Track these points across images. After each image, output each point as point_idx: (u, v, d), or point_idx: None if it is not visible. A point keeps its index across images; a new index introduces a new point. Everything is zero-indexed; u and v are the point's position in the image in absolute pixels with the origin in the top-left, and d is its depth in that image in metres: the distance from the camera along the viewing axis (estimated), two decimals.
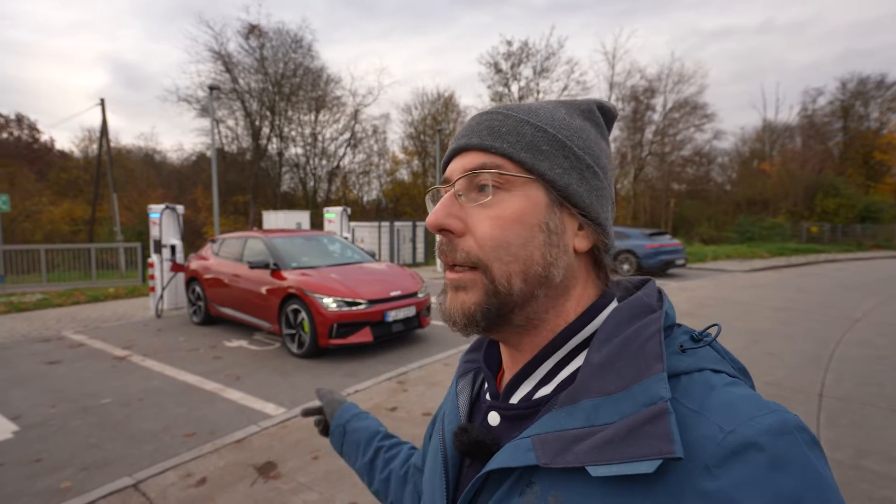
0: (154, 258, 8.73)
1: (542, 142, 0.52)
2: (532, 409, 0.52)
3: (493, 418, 0.56)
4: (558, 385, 0.52)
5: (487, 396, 0.60)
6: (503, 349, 0.59)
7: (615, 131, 35.28)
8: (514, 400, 0.54)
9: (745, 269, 15.57)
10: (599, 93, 54.02)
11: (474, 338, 0.69)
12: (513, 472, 0.48)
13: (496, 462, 0.49)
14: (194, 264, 7.82)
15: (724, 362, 0.49)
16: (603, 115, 0.59)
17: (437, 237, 0.55)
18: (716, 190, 36.19)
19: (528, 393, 0.54)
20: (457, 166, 0.55)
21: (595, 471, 0.41)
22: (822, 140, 35.66)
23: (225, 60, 30.41)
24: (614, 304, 0.55)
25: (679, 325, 0.53)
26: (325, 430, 1.04)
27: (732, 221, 30.56)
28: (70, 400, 4.47)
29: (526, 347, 0.55)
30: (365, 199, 38.12)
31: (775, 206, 31.62)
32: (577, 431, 0.44)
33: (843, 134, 35.71)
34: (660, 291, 0.55)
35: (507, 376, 0.58)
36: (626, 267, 13.49)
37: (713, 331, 0.51)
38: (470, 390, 0.65)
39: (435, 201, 0.61)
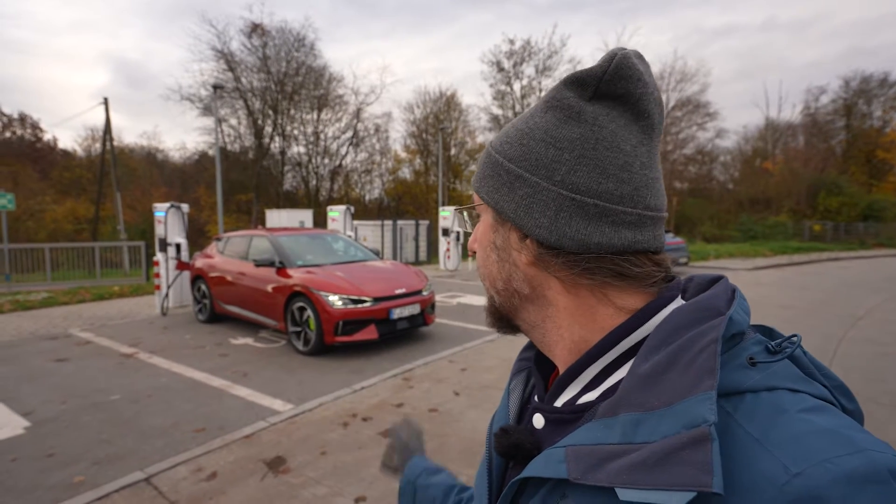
0: (159, 256, 8.78)
1: (486, 168, 0.55)
2: (575, 414, 0.50)
3: (538, 421, 0.54)
4: (604, 392, 0.48)
5: (535, 398, 0.59)
6: None
7: None
8: (559, 403, 0.52)
9: (747, 268, 15.58)
10: None
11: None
12: (548, 481, 0.46)
13: (529, 470, 0.47)
14: (199, 262, 7.87)
15: (809, 381, 0.42)
16: (579, 87, 0.49)
17: None
18: (718, 188, 36.21)
19: (573, 397, 0.51)
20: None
21: (623, 494, 0.37)
22: (825, 138, 35.63)
23: (228, 59, 30.53)
24: (675, 306, 0.49)
25: (756, 331, 0.47)
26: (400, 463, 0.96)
27: (735, 220, 30.56)
28: (79, 396, 4.52)
29: (552, 356, 0.56)
30: (367, 197, 38.19)
31: (778, 204, 31.61)
32: (612, 447, 0.40)
33: (845, 132, 35.67)
34: (734, 292, 0.48)
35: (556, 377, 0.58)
36: None
37: (796, 341, 0.44)
38: (522, 389, 0.63)
39: (471, 220, 0.68)
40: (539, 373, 0.60)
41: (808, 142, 35.46)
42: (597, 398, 0.48)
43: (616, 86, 0.48)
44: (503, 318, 0.58)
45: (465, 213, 0.64)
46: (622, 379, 0.46)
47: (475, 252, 0.61)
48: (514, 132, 0.53)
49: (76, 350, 6.13)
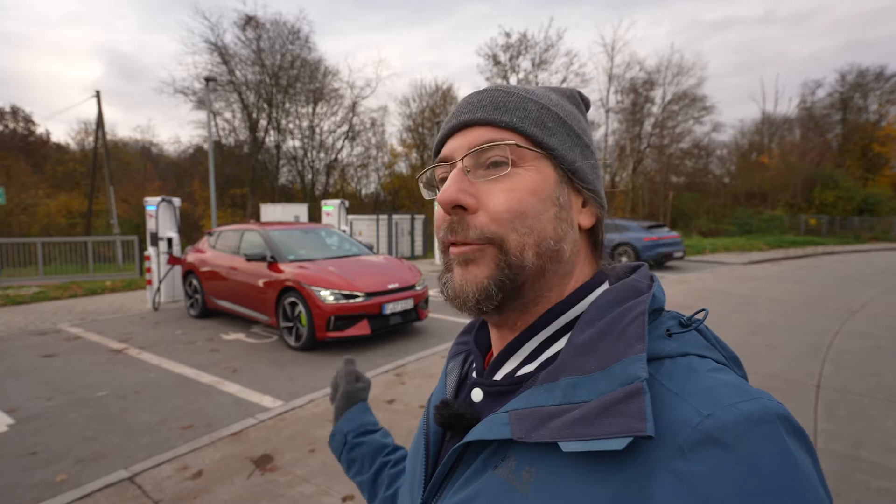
0: (151, 251, 8.69)
1: (546, 119, 0.53)
2: (514, 385, 0.53)
3: (476, 394, 0.57)
4: (541, 364, 0.52)
5: (474, 374, 0.61)
6: (493, 330, 0.59)
7: (614, 124, 35.16)
8: (498, 377, 0.55)
9: (743, 262, 15.58)
10: (598, 85, 53.78)
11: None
12: (489, 445, 0.49)
13: (473, 434, 0.49)
14: (191, 257, 7.79)
15: (712, 349, 0.49)
16: (584, 102, 0.61)
17: (440, 220, 0.55)
18: (714, 182, 36.13)
19: (512, 370, 0.54)
20: (460, 143, 0.54)
21: (566, 446, 0.41)
22: (821, 132, 35.62)
23: (221, 52, 30.16)
24: (604, 287, 0.55)
25: (668, 311, 0.53)
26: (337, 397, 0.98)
27: (731, 214, 30.56)
28: (66, 392, 4.45)
29: (521, 327, 0.55)
30: (363, 192, 37.96)
31: (774, 198, 31.62)
32: (553, 408, 0.44)
33: (841, 126, 35.66)
34: (652, 277, 0.54)
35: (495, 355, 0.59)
36: (624, 259, 13.48)
37: (701, 316, 0.51)
38: (459, 371, 0.66)
39: (429, 185, 0.61)
40: (478, 352, 0.63)
41: (805, 136, 35.43)
42: (535, 369, 0.52)
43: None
44: (514, 289, 0.51)
45: (478, 159, 0.53)
46: (560, 351, 0.51)
47: (467, 205, 0.51)
48: (559, 103, 0.56)
49: (65, 345, 6.05)
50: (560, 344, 0.52)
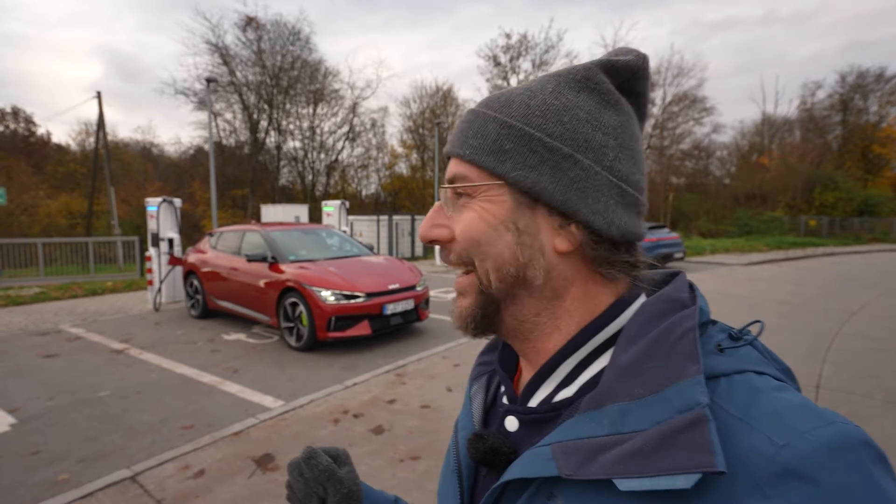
0: (152, 251, 8.71)
1: (505, 140, 0.48)
2: (553, 412, 0.49)
3: (511, 423, 0.52)
4: (581, 387, 0.48)
5: (504, 400, 0.56)
6: (520, 353, 0.57)
7: None
8: (533, 403, 0.51)
9: (743, 263, 15.60)
10: None
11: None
12: (532, 483, 0.45)
13: (513, 472, 0.45)
14: (192, 258, 7.80)
15: (768, 363, 0.45)
16: (612, 75, 0.50)
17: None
18: (714, 183, 36.17)
19: (549, 395, 0.50)
20: (447, 172, 0.55)
21: (623, 484, 0.37)
22: (821, 133, 35.65)
23: (222, 53, 30.22)
24: (642, 300, 0.51)
25: (715, 323, 0.48)
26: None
27: (731, 215, 30.60)
28: (68, 393, 4.46)
29: (531, 353, 0.53)
30: (363, 192, 38.01)
31: (774, 199, 31.64)
32: (602, 439, 0.40)
33: (841, 127, 35.70)
34: (691, 286, 0.49)
35: (525, 378, 0.55)
36: None
37: (755, 329, 0.46)
38: (484, 394, 0.61)
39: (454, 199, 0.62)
40: (505, 374, 0.58)
41: (805, 137, 35.47)
42: (574, 394, 0.48)
43: (637, 83, 0.52)
44: (488, 315, 0.51)
45: (448, 192, 0.53)
46: (601, 372, 0.47)
47: (438, 239, 0.53)
48: (542, 106, 0.48)
49: (66, 346, 6.06)
50: (600, 364, 0.48)
